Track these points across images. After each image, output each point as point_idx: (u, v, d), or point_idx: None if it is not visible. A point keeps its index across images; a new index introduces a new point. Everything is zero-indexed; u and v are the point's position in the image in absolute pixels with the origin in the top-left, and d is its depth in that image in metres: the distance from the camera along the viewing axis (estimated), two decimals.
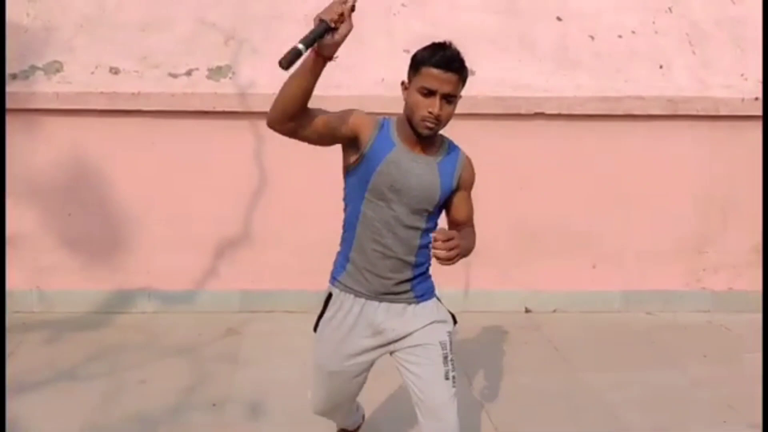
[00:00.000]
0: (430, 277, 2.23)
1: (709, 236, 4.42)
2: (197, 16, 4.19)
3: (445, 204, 2.19)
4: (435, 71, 1.92)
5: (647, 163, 4.26)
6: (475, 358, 3.70)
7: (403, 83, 2.07)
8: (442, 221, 2.22)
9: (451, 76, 1.93)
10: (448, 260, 1.86)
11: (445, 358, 2.13)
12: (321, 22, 1.81)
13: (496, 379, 3.48)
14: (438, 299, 2.25)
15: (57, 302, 4.16)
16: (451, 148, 2.17)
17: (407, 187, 2.03)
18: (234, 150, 4.08)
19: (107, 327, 4.01)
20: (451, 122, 4.27)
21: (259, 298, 4.25)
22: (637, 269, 4.43)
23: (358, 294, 2.13)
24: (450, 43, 1.98)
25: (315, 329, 2.25)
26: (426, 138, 2.04)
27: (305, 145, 4.19)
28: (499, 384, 3.42)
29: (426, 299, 2.19)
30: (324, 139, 2.05)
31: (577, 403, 3.28)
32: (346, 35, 1.86)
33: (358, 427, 2.75)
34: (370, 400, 2.94)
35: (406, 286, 2.14)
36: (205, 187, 4.11)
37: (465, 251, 2.00)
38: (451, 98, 1.96)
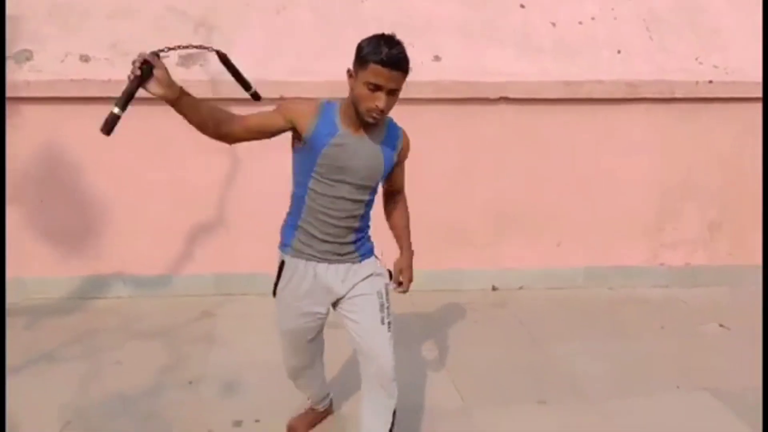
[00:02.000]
0: (370, 237, 2.44)
1: (667, 214, 4.60)
2: (167, 3, 4.21)
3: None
4: (383, 69, 2.01)
5: (608, 145, 4.42)
6: (443, 334, 3.84)
7: (349, 71, 2.13)
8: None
9: (397, 74, 2.03)
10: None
11: (382, 306, 2.35)
12: (127, 79, 1.89)
13: (464, 352, 3.62)
14: (377, 257, 2.45)
15: (32, 289, 4.20)
16: (391, 126, 2.30)
17: (353, 168, 2.19)
18: (205, 137, 4.12)
19: (83, 312, 4.07)
20: (418, 106, 4.39)
21: (233, 282, 4.33)
22: (600, 246, 4.60)
23: (309, 258, 2.31)
24: (396, 39, 2.05)
25: (274, 294, 2.44)
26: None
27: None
28: (466, 357, 3.56)
29: (367, 257, 2.40)
30: (262, 135, 2.20)
31: (541, 372, 3.43)
32: (164, 74, 1.95)
33: (326, 411, 2.90)
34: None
35: (351, 248, 2.34)
36: (177, 172, 4.16)
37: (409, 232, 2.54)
38: (394, 92, 2.07)
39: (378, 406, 2.35)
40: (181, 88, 2.01)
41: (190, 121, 2.10)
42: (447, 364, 3.49)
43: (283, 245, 2.38)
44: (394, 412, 2.37)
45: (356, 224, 2.31)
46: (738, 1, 4.61)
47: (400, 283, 2.51)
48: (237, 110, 4.17)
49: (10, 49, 4.01)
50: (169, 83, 1.96)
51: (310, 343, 2.54)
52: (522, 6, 4.48)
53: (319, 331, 2.53)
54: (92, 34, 4.09)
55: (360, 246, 2.37)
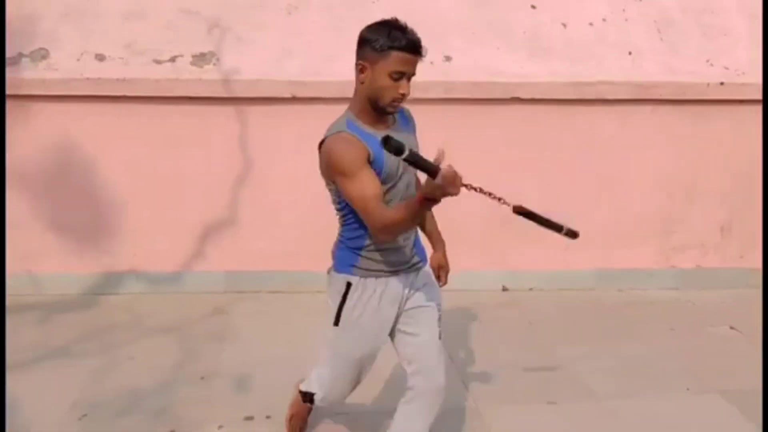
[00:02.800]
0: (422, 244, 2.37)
1: (677, 217, 4.60)
2: (180, 4, 4.26)
3: None
4: (407, 56, 1.99)
5: (618, 146, 4.42)
6: (454, 334, 3.85)
7: (360, 65, 2.05)
8: None
9: (417, 58, 2.03)
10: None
11: (439, 318, 2.29)
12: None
13: (474, 352, 3.64)
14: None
15: (46, 285, 4.25)
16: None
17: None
18: (219, 135, 4.17)
19: (96, 308, 4.11)
20: (429, 106, 4.42)
21: (245, 279, 4.36)
22: (610, 249, 4.59)
23: (379, 274, 2.18)
24: (405, 24, 2.03)
25: (336, 323, 2.24)
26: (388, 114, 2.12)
27: (287, 130, 4.33)
28: (476, 357, 3.58)
29: (425, 263, 2.34)
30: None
31: (551, 373, 3.44)
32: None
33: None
34: None
35: (413, 250, 2.26)
36: (190, 170, 4.21)
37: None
38: (412, 77, 2.06)
39: (427, 416, 2.28)
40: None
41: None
42: (457, 363, 3.50)
43: (346, 266, 2.20)
44: None
45: None
46: (749, 3, 4.60)
47: (438, 278, 2.45)
48: (252, 110, 4.24)
49: (26, 48, 4.07)
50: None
51: (370, 367, 2.38)
52: (533, 7, 4.50)
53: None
54: (107, 34, 4.14)
55: (418, 249, 2.29)
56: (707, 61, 4.44)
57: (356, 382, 2.43)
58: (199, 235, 4.32)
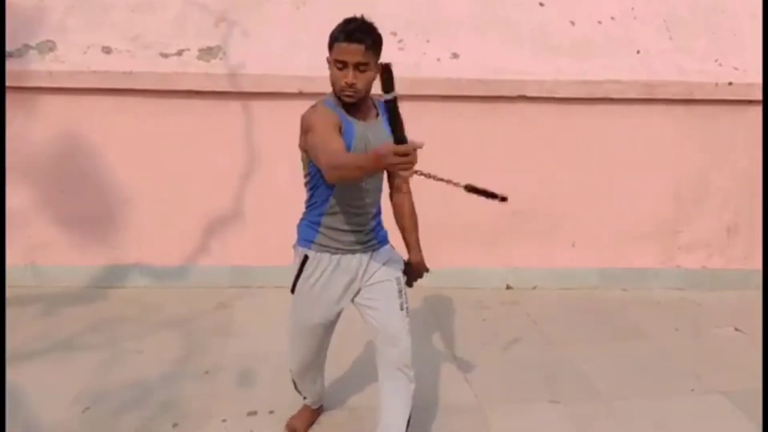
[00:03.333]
0: (382, 224, 2.48)
1: (683, 217, 4.59)
2: None
3: None
4: (343, 45, 2.10)
5: (624, 145, 4.41)
6: (457, 332, 3.86)
7: (327, 59, 2.20)
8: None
9: (357, 47, 2.09)
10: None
11: (400, 291, 2.41)
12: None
13: (477, 350, 3.63)
14: (390, 245, 2.49)
15: (51, 277, 4.26)
16: (381, 104, 2.29)
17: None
18: (224, 129, 4.17)
19: (101, 301, 4.12)
20: (436, 104, 4.41)
21: (249, 274, 4.36)
22: (614, 248, 4.58)
23: (334, 251, 2.34)
24: (359, 17, 2.15)
25: (292, 290, 2.44)
26: (361, 105, 2.21)
27: (293, 125, 4.31)
28: (479, 354, 3.57)
29: (384, 244, 2.45)
30: None
31: (553, 371, 3.43)
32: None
33: (320, 409, 2.92)
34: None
35: (371, 235, 2.39)
36: (196, 165, 4.21)
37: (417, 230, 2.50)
38: (363, 66, 2.11)
39: (399, 390, 2.40)
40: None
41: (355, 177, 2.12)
42: (460, 361, 3.50)
43: (305, 241, 2.39)
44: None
45: (375, 210, 2.39)
46: (758, 3, 4.57)
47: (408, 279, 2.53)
48: (258, 104, 4.24)
49: (33, 40, 4.07)
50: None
51: (324, 339, 2.56)
52: (541, 4, 4.48)
53: (332, 328, 2.54)
54: (114, 27, 4.14)
55: (377, 232, 2.42)
56: (716, 60, 4.42)
57: (317, 351, 2.58)
58: (205, 230, 4.33)
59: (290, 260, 4.24)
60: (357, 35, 2.09)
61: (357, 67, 2.11)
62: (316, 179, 2.30)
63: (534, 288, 4.57)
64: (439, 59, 4.22)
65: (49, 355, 3.41)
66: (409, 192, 2.53)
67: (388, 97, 1.79)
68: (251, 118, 4.14)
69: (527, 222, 4.49)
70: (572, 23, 4.44)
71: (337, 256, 2.35)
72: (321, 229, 2.35)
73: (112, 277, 4.31)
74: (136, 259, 4.32)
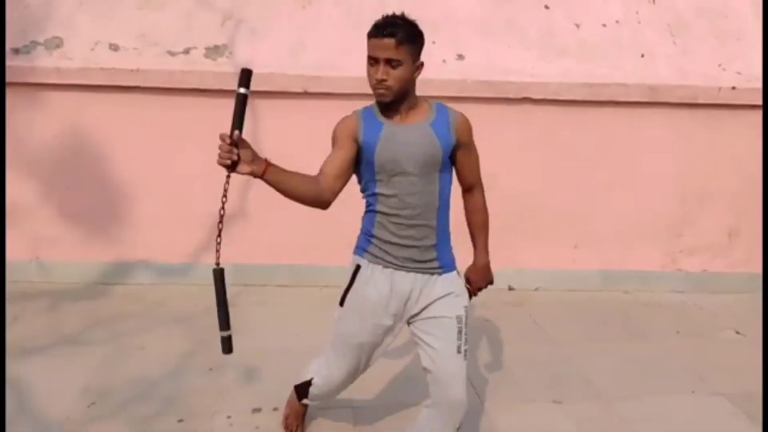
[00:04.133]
0: (451, 249, 2.31)
1: (686, 220, 4.60)
2: None
3: (452, 162, 2.25)
4: (373, 41, 2.07)
5: (628, 148, 4.43)
6: None
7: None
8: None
9: (386, 41, 2.04)
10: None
11: (460, 332, 2.21)
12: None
13: (481, 351, 3.65)
14: (458, 272, 2.32)
15: (56, 272, 4.28)
16: (440, 109, 2.24)
17: (409, 154, 2.11)
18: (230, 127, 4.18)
19: (105, 297, 4.14)
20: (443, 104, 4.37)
21: (253, 272, 4.38)
22: (617, 250, 4.61)
23: (387, 264, 2.20)
24: (390, 14, 2.11)
25: (341, 303, 2.29)
26: (400, 105, 2.14)
27: (299, 124, 4.33)
28: (483, 355, 3.60)
29: (448, 271, 2.27)
30: (348, 171, 2.17)
31: (556, 372, 3.45)
32: (247, 153, 1.94)
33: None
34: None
35: (431, 254, 2.22)
36: (201, 163, 4.20)
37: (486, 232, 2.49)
38: (395, 63, 2.05)
39: (437, 426, 2.26)
40: (265, 160, 1.99)
41: (283, 194, 2.06)
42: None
43: (360, 249, 2.27)
44: None
45: (433, 222, 2.21)
46: (763, 7, 4.59)
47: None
48: (264, 103, 4.25)
49: (41, 36, 4.09)
50: (253, 158, 1.95)
51: (370, 357, 2.38)
52: (546, 7, 4.50)
53: (380, 344, 2.35)
54: (122, 24, 4.15)
55: (441, 254, 2.24)
56: (720, 65, 4.44)
57: (352, 373, 2.43)
58: (209, 227, 4.34)
59: (293, 259, 4.29)
60: (388, 29, 2.03)
61: (388, 62, 2.05)
62: (364, 185, 2.22)
63: (536, 289, 4.59)
64: (444, 60, 4.24)
65: (55, 351, 3.42)
66: (480, 190, 2.40)
67: (239, 92, 1.92)
68: (257, 116, 4.15)
69: (530, 224, 4.51)
70: (577, 26, 4.46)
71: (390, 270, 2.20)
72: (374, 240, 2.22)
73: (116, 274, 4.33)
74: (140, 255, 4.33)
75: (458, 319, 2.21)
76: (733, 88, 4.35)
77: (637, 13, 4.54)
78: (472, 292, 2.40)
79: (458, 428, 2.26)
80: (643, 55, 4.41)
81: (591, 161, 4.43)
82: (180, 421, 2.86)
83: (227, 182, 1.97)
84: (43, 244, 4.27)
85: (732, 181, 4.55)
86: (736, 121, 4.43)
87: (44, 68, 4.00)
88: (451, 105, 4.22)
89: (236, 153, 1.91)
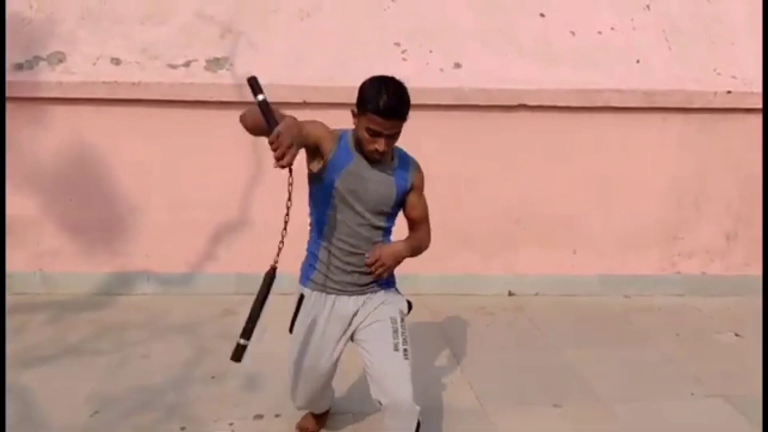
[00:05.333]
0: (392, 273, 2.43)
1: (684, 223, 4.64)
2: (195, 9, 4.33)
3: (401, 204, 2.38)
4: (380, 119, 2.10)
5: (624, 153, 4.46)
6: (460, 337, 3.90)
7: (353, 110, 2.21)
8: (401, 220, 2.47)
9: (394, 123, 2.12)
10: (380, 275, 2.29)
11: (395, 331, 2.30)
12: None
13: (480, 355, 3.68)
14: (396, 289, 2.46)
15: (59, 284, 4.32)
16: (402, 157, 2.36)
17: (366, 193, 2.25)
18: (231, 138, 4.19)
19: (108, 307, 4.17)
20: (439, 113, 4.45)
21: (255, 281, 4.35)
22: (616, 255, 4.63)
23: (329, 291, 2.34)
24: (395, 85, 2.11)
25: (290, 330, 2.44)
26: None
27: None
28: (482, 359, 3.62)
29: (386, 288, 2.41)
30: (309, 154, 2.27)
31: (556, 376, 3.48)
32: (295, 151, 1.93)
33: (328, 411, 2.93)
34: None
35: (369, 278, 2.35)
36: (203, 173, 4.27)
37: (413, 251, 2.38)
38: (395, 135, 2.16)
39: None
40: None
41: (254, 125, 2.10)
42: (463, 366, 3.54)
43: (304, 278, 2.40)
44: (418, 424, 2.28)
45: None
46: (757, 12, 4.64)
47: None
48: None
49: (43, 51, 4.15)
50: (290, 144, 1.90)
51: (326, 379, 2.51)
52: (542, 15, 4.55)
53: (335, 366, 2.48)
54: (123, 38, 4.22)
55: (380, 279, 2.37)
56: (714, 70, 4.48)
57: (318, 390, 2.55)
58: (211, 238, 4.39)
59: (295, 268, 4.30)
60: (399, 113, 2.10)
61: (389, 137, 2.14)
62: (314, 206, 2.33)
63: (536, 294, 4.62)
64: (441, 69, 4.29)
65: (58, 360, 3.46)
66: (426, 229, 2.46)
67: (261, 98, 1.94)
68: None
69: (529, 229, 4.54)
70: (573, 33, 4.51)
71: (332, 297, 2.34)
72: (317, 265, 2.35)
73: (119, 284, 4.37)
74: (143, 266, 4.37)
75: (392, 320, 2.32)
76: (729, 92, 4.39)
77: (631, 19, 4.59)
78: (368, 265, 2.33)
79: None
80: (638, 61, 4.46)
81: (587, 167, 4.47)
82: (183, 428, 2.89)
83: (291, 183, 2.04)
84: (46, 256, 4.31)
85: (728, 184, 4.58)
86: (731, 125, 4.47)
87: (47, 83, 4.06)
88: (448, 113, 4.31)
89: (293, 149, 1.88)
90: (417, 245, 2.43)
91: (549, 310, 4.37)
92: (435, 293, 4.44)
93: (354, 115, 2.21)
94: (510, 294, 4.61)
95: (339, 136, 2.26)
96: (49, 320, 3.96)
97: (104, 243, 4.35)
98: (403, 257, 2.36)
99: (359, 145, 2.22)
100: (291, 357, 2.48)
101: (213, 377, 3.33)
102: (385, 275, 2.33)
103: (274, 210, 4.27)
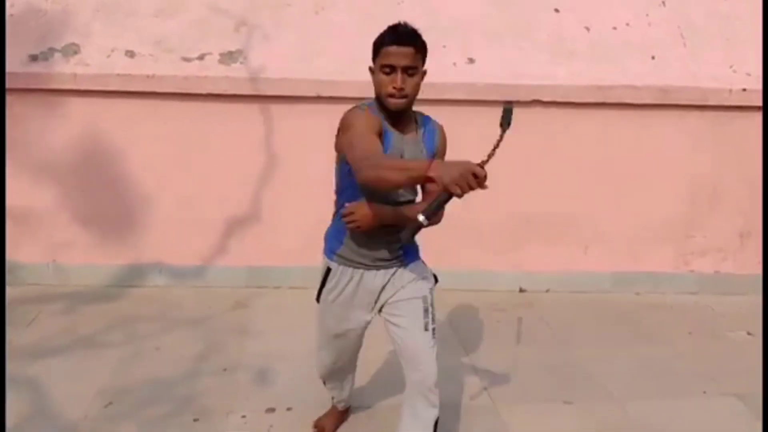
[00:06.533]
0: (415, 242, 2.36)
1: (697, 221, 4.61)
2: (209, 2, 4.34)
3: None
4: (392, 48, 2.08)
5: (638, 150, 4.44)
6: (471, 333, 3.90)
7: (370, 68, 2.19)
8: None
9: (406, 50, 2.08)
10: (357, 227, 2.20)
11: (426, 310, 2.32)
12: (447, 192, 1.80)
13: (492, 351, 3.67)
14: (422, 261, 2.44)
15: (72, 275, 4.34)
16: (425, 120, 2.32)
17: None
18: (244, 132, 4.24)
19: (121, 299, 4.20)
20: (451, 108, 4.45)
21: (266, 274, 4.43)
22: (628, 252, 4.61)
23: (356, 265, 2.31)
24: (404, 23, 2.13)
25: (318, 299, 2.44)
26: (403, 115, 2.19)
27: (311, 128, 4.37)
28: (494, 356, 3.61)
29: (412, 260, 2.39)
30: None
31: (567, 373, 3.47)
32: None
33: (348, 409, 2.95)
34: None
35: (398, 252, 2.33)
36: (215, 167, 4.28)
37: (398, 220, 2.21)
38: (411, 71, 2.10)
39: (418, 414, 2.32)
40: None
41: (396, 185, 2.04)
42: (475, 362, 3.54)
43: (330, 251, 2.36)
44: (436, 422, 2.32)
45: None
46: None
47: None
48: (277, 108, 4.30)
49: (58, 43, 4.16)
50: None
51: (352, 348, 2.55)
52: (556, 10, 4.52)
53: (361, 336, 2.51)
54: (138, 31, 4.22)
55: (406, 248, 2.35)
56: (730, 67, 4.44)
57: (343, 359, 2.58)
58: (223, 231, 4.40)
59: (306, 261, 4.32)
60: (407, 38, 2.08)
61: (405, 70, 2.09)
62: (345, 184, 2.27)
63: (547, 291, 4.61)
64: (455, 64, 4.28)
65: (71, 352, 3.48)
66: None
67: (502, 132, 1.95)
68: (270, 120, 4.21)
69: (541, 226, 4.53)
70: (587, 29, 4.48)
71: (360, 271, 2.31)
72: (345, 240, 2.31)
73: (132, 276, 4.39)
74: (155, 258, 4.39)
75: (424, 299, 2.33)
76: (744, 89, 4.35)
77: (647, 15, 4.55)
78: (344, 215, 2.24)
79: (436, 421, 2.31)
80: (653, 58, 4.43)
81: (601, 163, 4.45)
82: (195, 420, 2.91)
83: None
84: (59, 247, 4.34)
85: (742, 182, 4.55)
86: (746, 123, 4.43)
87: (61, 75, 4.07)
88: (461, 108, 4.30)
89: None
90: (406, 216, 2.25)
91: (560, 307, 4.36)
92: (446, 289, 4.40)
93: (372, 72, 2.18)
94: (521, 291, 4.60)
95: (375, 113, 2.16)
96: (62, 311, 3.99)
97: (117, 235, 4.37)
98: (379, 223, 2.24)
99: (380, 100, 2.16)
100: (317, 324, 2.51)
101: (225, 369, 3.35)
102: (362, 228, 2.22)
103: (285, 203, 4.34)
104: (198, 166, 4.27)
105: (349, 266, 2.32)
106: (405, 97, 2.12)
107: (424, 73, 2.19)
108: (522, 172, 4.41)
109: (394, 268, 2.34)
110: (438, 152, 2.33)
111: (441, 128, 2.37)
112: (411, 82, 2.12)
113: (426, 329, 2.31)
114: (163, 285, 4.39)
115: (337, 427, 2.90)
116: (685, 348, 3.83)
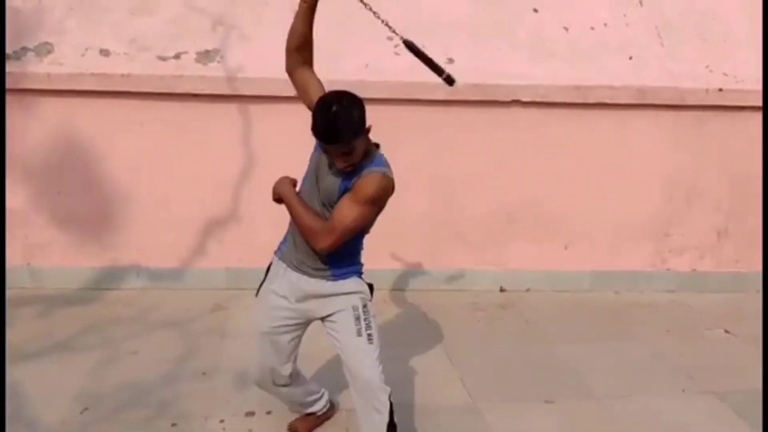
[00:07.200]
0: (352, 263, 2.43)
1: (674, 220, 4.65)
2: (186, 1, 4.28)
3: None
4: (322, 144, 2.16)
5: (616, 150, 4.47)
6: (451, 332, 3.90)
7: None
8: None
9: (335, 147, 2.11)
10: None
11: (357, 318, 2.37)
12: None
13: (471, 350, 3.68)
14: (359, 277, 2.45)
15: (48, 278, 4.27)
16: (366, 166, 2.23)
17: (323, 180, 2.29)
18: (222, 132, 4.20)
19: (98, 302, 4.14)
20: (432, 108, 4.42)
21: (245, 276, 4.37)
22: (607, 250, 4.64)
23: (289, 264, 2.42)
24: (328, 110, 2.09)
25: (257, 294, 2.52)
26: None
27: (290, 126, 4.32)
28: (474, 354, 3.62)
29: (342, 277, 2.40)
30: (300, 93, 2.42)
31: (548, 372, 3.48)
32: None
33: (326, 414, 2.93)
34: None
35: (321, 264, 2.37)
36: (193, 167, 4.23)
37: (296, 212, 2.30)
38: (348, 151, 2.13)
39: (367, 421, 2.39)
40: None
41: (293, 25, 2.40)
42: (455, 362, 3.54)
43: (278, 248, 2.53)
44: (392, 426, 2.36)
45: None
46: (750, 9, 4.65)
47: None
48: (255, 107, 4.25)
49: (31, 42, 4.09)
50: None
51: (278, 352, 2.52)
52: (535, 10, 4.53)
53: (292, 341, 2.52)
54: (112, 29, 4.16)
55: (334, 266, 2.37)
56: (707, 66, 4.49)
57: (263, 365, 2.56)
58: (201, 232, 4.35)
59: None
60: (329, 139, 2.10)
61: (343, 155, 2.13)
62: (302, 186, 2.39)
63: (527, 290, 4.62)
64: None
65: (47, 356, 3.42)
66: (328, 228, 2.27)
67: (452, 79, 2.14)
68: (248, 121, 4.17)
69: (520, 225, 4.54)
70: (566, 29, 4.50)
71: (290, 271, 2.41)
72: (288, 239, 2.46)
73: (109, 279, 4.32)
74: (133, 260, 4.33)
75: (353, 308, 2.39)
76: (720, 89, 4.39)
77: (624, 15, 4.58)
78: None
79: (390, 414, 2.35)
80: (631, 57, 4.45)
81: (580, 163, 4.47)
82: (173, 425, 2.87)
83: None
84: (34, 249, 4.26)
85: (720, 181, 4.60)
86: (723, 122, 4.48)
87: (35, 74, 4.00)
88: (441, 108, 4.28)
89: None
90: (303, 214, 2.29)
91: (540, 306, 4.38)
92: (427, 289, 4.44)
93: None
94: (502, 290, 4.61)
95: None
96: (38, 315, 3.93)
97: (94, 237, 4.31)
98: (284, 202, 2.37)
99: None
100: (254, 323, 2.57)
101: (203, 373, 3.31)
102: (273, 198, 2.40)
103: (264, 204, 4.27)
104: (175, 167, 4.22)
105: (285, 263, 2.43)
106: (352, 165, 2.19)
107: (368, 129, 2.20)
108: (502, 172, 4.42)
109: (322, 280, 2.38)
110: (349, 189, 2.23)
111: (372, 175, 2.21)
112: (353, 155, 2.15)
113: (359, 335, 2.36)
114: (140, 287, 4.34)
115: (310, 429, 2.88)
116: (664, 346, 3.86)
